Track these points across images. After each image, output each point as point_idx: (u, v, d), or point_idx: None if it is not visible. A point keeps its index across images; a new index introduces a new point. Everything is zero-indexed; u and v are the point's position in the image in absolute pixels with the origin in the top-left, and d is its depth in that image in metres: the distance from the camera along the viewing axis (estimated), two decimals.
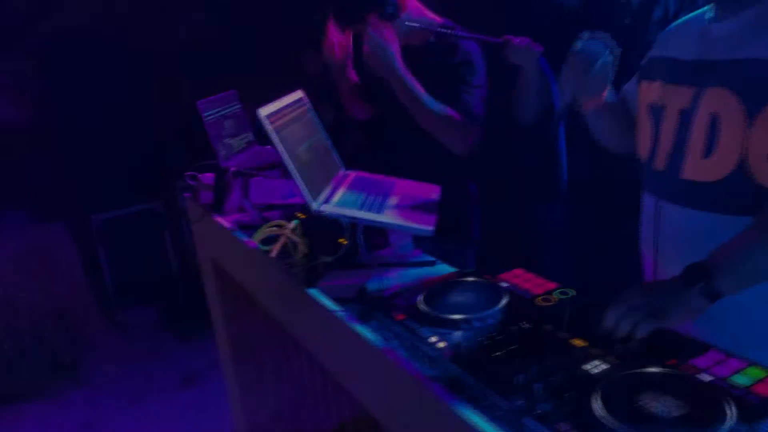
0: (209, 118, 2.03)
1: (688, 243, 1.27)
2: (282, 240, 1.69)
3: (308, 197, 1.35)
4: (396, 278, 1.45)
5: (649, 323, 1.04)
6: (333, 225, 1.39)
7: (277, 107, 1.38)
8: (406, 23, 1.88)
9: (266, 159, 2.22)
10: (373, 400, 1.22)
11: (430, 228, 1.37)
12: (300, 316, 1.43)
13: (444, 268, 1.47)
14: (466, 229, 1.96)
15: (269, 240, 1.74)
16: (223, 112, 2.12)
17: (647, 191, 1.42)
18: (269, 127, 1.31)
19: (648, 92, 1.40)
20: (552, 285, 1.30)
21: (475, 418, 0.92)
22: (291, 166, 1.31)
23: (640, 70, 1.49)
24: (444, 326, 1.17)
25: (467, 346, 1.10)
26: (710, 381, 0.93)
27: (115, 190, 4.35)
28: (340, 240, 1.39)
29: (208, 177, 2.31)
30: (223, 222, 1.92)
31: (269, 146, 2.38)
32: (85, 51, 4.15)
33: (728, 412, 0.84)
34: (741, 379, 0.93)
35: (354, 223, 1.37)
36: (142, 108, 4.33)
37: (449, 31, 1.89)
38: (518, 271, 1.38)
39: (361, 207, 1.41)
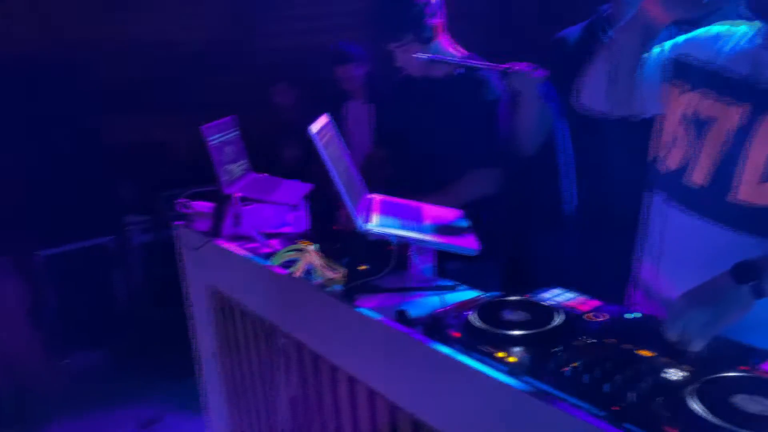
0: (213, 143, 1.99)
1: (710, 258, 1.26)
2: (305, 262, 1.67)
3: (356, 217, 1.34)
4: (427, 301, 1.46)
5: (711, 328, 1.09)
6: (377, 245, 1.39)
7: (320, 126, 1.37)
8: (422, 55, 1.93)
9: (265, 186, 2.19)
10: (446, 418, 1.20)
11: (475, 248, 1.39)
12: (342, 335, 1.40)
13: (467, 293, 1.47)
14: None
15: (288, 264, 1.72)
16: (224, 138, 2.08)
17: (658, 195, 1.41)
18: (320, 144, 1.30)
19: (684, 100, 1.36)
20: (595, 302, 1.34)
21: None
22: (341, 186, 1.31)
23: (662, 66, 1.43)
24: (504, 343, 1.18)
25: (536, 359, 1.11)
26: None
27: (62, 225, 4.13)
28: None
29: (201, 204, 2.26)
30: (232, 248, 1.87)
31: (265, 174, 2.37)
32: (30, 84, 4.01)
33: None
34: None
35: (402, 242, 1.36)
36: (91, 142, 4.21)
37: (463, 61, 1.95)
38: (557, 291, 1.41)
39: (402, 228, 1.41)
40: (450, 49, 2.09)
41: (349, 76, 3.69)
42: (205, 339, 2.21)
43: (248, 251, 1.87)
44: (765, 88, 1.25)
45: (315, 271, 1.65)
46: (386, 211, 1.51)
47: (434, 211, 1.60)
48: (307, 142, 3.95)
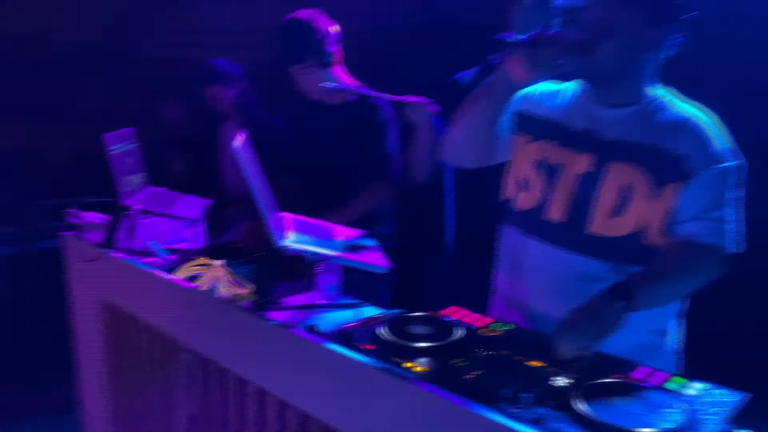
0: (114, 152, 1.95)
1: (564, 279, 1.51)
2: (210, 277, 1.69)
3: (273, 232, 1.39)
4: (335, 316, 1.53)
5: (595, 341, 1.26)
6: (292, 262, 1.44)
7: (241, 141, 1.41)
8: (328, 84, 2.05)
9: (164, 200, 2.17)
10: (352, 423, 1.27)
11: (385, 265, 1.48)
12: (253, 348, 1.43)
13: (370, 310, 1.57)
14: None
15: (193, 278, 1.72)
16: (124, 149, 2.04)
17: (517, 230, 1.60)
18: (243, 159, 1.34)
19: (533, 148, 1.57)
20: (488, 319, 1.48)
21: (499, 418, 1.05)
22: (261, 202, 1.35)
23: (509, 119, 1.60)
24: (411, 354, 1.28)
25: (441, 369, 1.22)
26: (654, 386, 1.16)
27: None
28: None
29: (92, 216, 2.18)
30: (130, 261, 1.83)
31: (163, 188, 2.33)
32: None
33: (678, 406, 1.07)
34: (672, 386, 1.17)
35: (316, 259, 1.43)
36: None
37: (362, 92, 2.08)
38: (454, 308, 1.54)
39: (317, 245, 1.48)
40: (344, 78, 2.22)
41: (219, 96, 3.37)
42: (91, 360, 2.11)
43: (146, 264, 1.84)
44: (604, 140, 1.50)
45: (221, 286, 1.66)
46: (300, 228, 1.57)
47: (343, 231, 1.68)
48: (195, 155, 3.88)
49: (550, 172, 1.55)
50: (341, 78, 2.20)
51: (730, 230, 1.42)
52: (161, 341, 1.75)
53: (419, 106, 2.03)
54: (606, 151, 1.50)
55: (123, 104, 3.46)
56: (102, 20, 4.48)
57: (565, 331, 1.29)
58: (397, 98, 2.05)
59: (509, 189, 1.66)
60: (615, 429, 1.02)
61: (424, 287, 2.33)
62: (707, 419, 1.06)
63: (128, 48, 4.55)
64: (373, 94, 2.10)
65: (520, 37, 1.39)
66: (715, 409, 1.09)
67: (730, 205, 1.43)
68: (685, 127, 1.46)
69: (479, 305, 1.62)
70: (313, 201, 2.04)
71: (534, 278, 1.60)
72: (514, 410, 1.08)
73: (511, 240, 1.65)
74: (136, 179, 2.14)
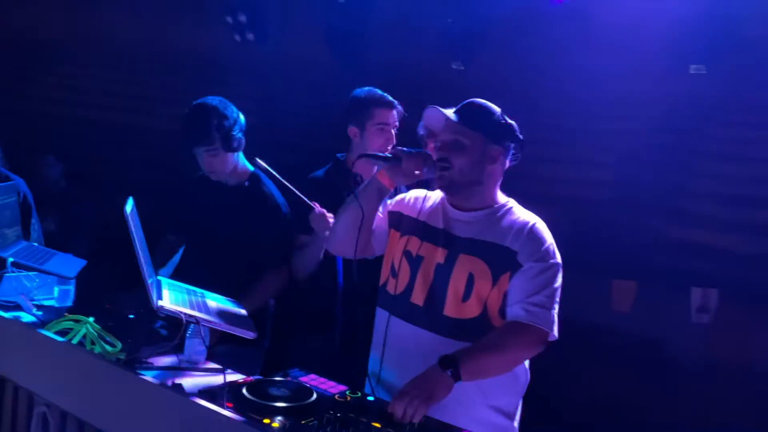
0: None
1: (422, 356, 1.69)
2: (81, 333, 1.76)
3: (152, 295, 1.51)
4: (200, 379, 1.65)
5: (426, 404, 1.49)
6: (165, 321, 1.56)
7: (131, 207, 1.55)
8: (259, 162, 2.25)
9: (40, 256, 2.19)
10: None
11: (253, 332, 1.64)
12: (118, 403, 1.51)
13: (233, 375, 1.71)
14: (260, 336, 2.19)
15: (64, 333, 1.78)
16: (5, 201, 2.08)
17: (387, 312, 1.84)
18: (131, 224, 1.48)
19: (402, 242, 1.85)
20: (342, 387, 1.67)
21: None
22: (143, 264, 1.48)
23: (390, 218, 1.91)
24: (269, 413, 1.44)
25: (294, 427, 1.39)
26: None
27: None
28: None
29: None
30: None
31: (36, 244, 2.35)
32: None
33: None
34: None
35: (189, 321, 1.56)
36: None
37: (286, 184, 2.23)
38: (313, 375, 1.71)
39: (191, 308, 1.61)
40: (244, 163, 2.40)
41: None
42: None
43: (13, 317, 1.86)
44: (454, 236, 1.81)
45: (93, 342, 1.73)
46: (175, 292, 1.70)
47: (216, 298, 1.82)
48: (66, 216, 3.85)
49: (415, 262, 1.83)
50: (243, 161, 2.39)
51: (547, 315, 1.71)
52: (15, 394, 1.76)
53: (317, 215, 2.17)
54: (457, 245, 1.80)
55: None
56: None
57: (400, 397, 1.51)
58: (309, 202, 2.19)
59: (383, 275, 1.91)
60: None
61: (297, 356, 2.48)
62: None
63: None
64: (299, 196, 2.20)
65: (385, 153, 1.75)
66: None
67: (549, 295, 1.73)
68: (521, 230, 1.78)
69: (348, 378, 1.80)
70: (205, 274, 2.12)
71: (394, 354, 1.83)
72: None
73: (381, 320, 1.88)
74: (12, 232, 2.16)
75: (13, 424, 1.77)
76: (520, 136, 1.81)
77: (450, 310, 1.76)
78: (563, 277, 1.78)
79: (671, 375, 3.37)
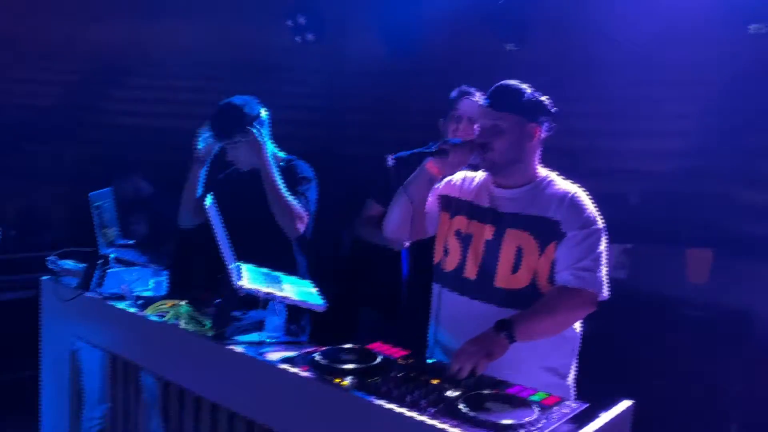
0: (96, 207, 2.28)
1: (475, 324, 1.82)
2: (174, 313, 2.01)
3: (234, 277, 1.74)
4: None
5: (485, 360, 1.65)
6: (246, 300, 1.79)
7: (210, 201, 1.77)
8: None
9: (134, 253, 2.48)
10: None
11: (323, 305, 1.85)
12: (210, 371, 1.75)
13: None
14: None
15: (161, 315, 2.04)
16: (104, 204, 2.37)
17: (443, 287, 2.00)
18: (213, 215, 1.70)
19: (453, 222, 2.02)
20: (404, 352, 1.84)
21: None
22: (227, 251, 1.71)
23: (439, 201, 2.06)
24: (338, 374, 1.63)
25: (361, 384, 1.58)
26: (521, 397, 1.53)
27: None
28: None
29: (68, 263, 2.49)
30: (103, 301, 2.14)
31: (132, 241, 2.65)
32: None
33: (534, 409, 1.45)
34: (535, 398, 1.55)
35: (266, 298, 1.77)
36: None
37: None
38: (379, 343, 1.89)
39: (268, 287, 1.82)
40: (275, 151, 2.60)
41: None
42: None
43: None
44: (500, 213, 1.94)
45: (184, 322, 1.98)
46: (253, 274, 1.92)
47: (289, 278, 2.03)
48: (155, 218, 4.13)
49: (465, 239, 1.98)
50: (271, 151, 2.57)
51: (595, 277, 1.83)
52: (125, 368, 2.04)
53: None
54: (504, 221, 1.93)
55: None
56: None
57: (462, 353, 1.67)
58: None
59: (437, 254, 2.07)
60: (482, 422, 1.39)
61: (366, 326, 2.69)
62: (552, 420, 1.44)
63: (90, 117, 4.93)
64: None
65: (434, 146, 1.93)
66: (560, 414, 1.47)
67: (594, 259, 1.84)
68: (562, 200, 1.89)
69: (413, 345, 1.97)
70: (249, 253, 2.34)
71: (449, 323, 2.00)
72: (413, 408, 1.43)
73: (437, 294, 2.04)
74: (111, 232, 2.45)
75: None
76: (552, 110, 1.92)
77: (501, 281, 1.89)
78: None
79: (753, 349, 3.28)
